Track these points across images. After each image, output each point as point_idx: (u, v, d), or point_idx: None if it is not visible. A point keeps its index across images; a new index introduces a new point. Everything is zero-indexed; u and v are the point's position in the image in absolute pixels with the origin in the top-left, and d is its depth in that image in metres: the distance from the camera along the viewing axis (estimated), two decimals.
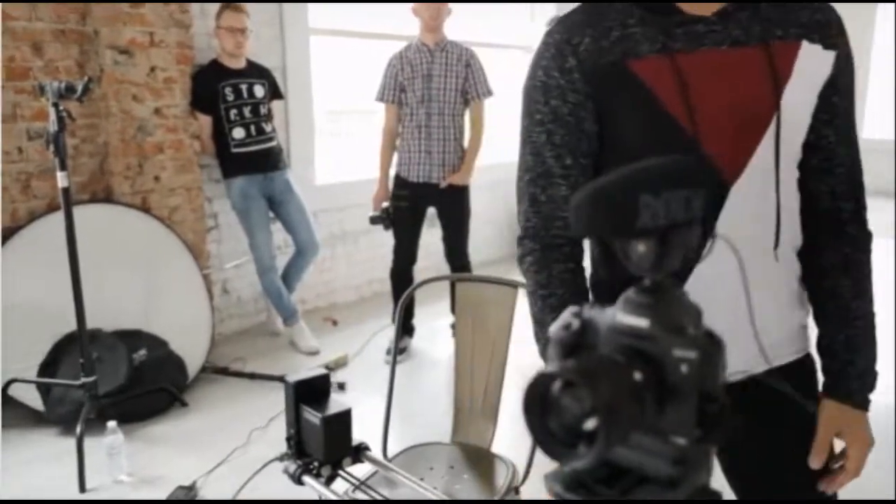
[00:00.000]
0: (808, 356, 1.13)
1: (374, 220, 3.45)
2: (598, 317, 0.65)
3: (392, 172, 3.44)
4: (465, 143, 3.42)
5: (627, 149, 0.98)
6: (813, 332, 1.13)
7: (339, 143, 4.72)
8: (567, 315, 0.68)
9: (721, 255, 0.76)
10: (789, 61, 0.97)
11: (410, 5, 3.31)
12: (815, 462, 1.06)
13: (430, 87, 3.26)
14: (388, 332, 3.73)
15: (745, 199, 0.98)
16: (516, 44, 5.49)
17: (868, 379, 1.08)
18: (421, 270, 4.10)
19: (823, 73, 1.00)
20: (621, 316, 0.63)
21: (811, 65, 0.98)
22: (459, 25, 4.59)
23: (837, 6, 1.04)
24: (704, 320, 0.59)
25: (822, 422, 1.06)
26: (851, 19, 1.24)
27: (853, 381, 1.07)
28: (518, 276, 1.78)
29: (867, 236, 1.08)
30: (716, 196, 0.96)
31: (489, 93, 3.39)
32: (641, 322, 0.61)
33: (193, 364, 3.21)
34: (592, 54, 0.97)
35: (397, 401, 2.91)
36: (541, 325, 1.05)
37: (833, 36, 1.00)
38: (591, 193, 0.57)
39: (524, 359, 2.17)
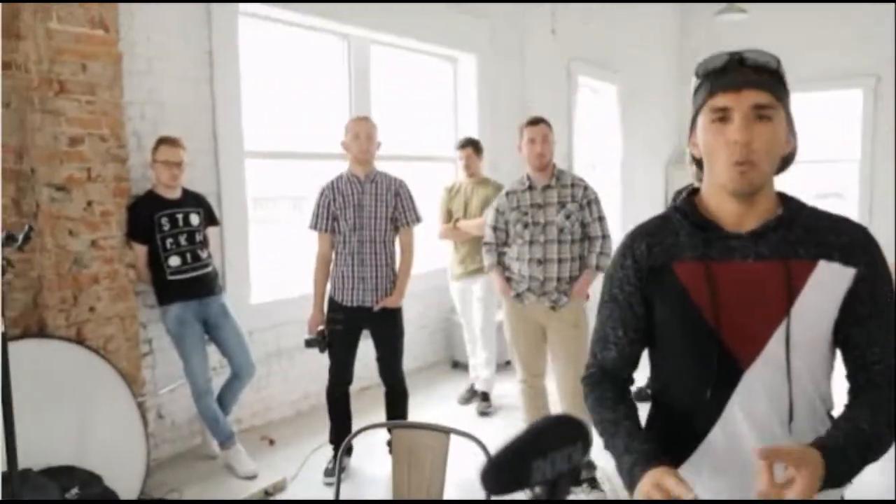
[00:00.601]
0: None
1: (309, 343, 3.55)
2: None
3: (327, 296, 3.57)
4: (396, 267, 3.59)
5: (666, 330, 1.30)
6: None
7: (268, 231, 4.78)
8: None
9: (738, 428, 1.18)
10: (804, 277, 1.20)
11: (341, 140, 3.52)
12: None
13: (362, 216, 3.45)
14: (326, 451, 3.76)
15: (756, 381, 1.22)
16: (443, 156, 5.80)
17: (846, 467, 1.13)
18: (359, 379, 4.19)
19: (843, 286, 1.20)
20: None
21: (828, 280, 1.20)
22: (389, 141, 4.89)
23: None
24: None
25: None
26: None
27: (836, 451, 1.12)
28: (450, 424, 1.92)
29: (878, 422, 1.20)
30: (729, 381, 1.23)
31: (418, 220, 3.59)
32: None
33: (128, 496, 3.17)
34: (644, 257, 1.30)
35: None
36: (610, 448, 1.30)
37: (856, 255, 1.21)
38: (494, 464, 0.74)
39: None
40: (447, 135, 5.92)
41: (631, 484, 1.18)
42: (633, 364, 1.38)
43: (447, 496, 1.88)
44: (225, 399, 3.76)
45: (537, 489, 0.77)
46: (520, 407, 3.66)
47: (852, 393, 1.25)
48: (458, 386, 4.93)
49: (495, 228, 3.46)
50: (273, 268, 4.63)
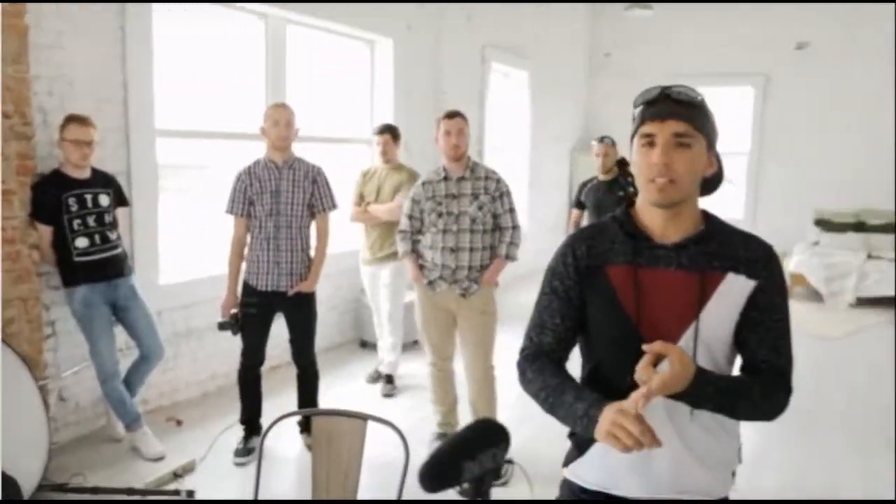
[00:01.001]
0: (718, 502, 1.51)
1: (222, 326, 3.57)
2: None
3: (241, 280, 3.59)
4: (312, 252, 3.64)
5: (595, 323, 1.48)
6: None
7: (175, 202, 4.68)
8: None
9: (653, 412, 1.34)
10: (714, 286, 1.41)
11: (259, 126, 3.53)
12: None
13: (279, 202, 3.47)
14: (236, 431, 3.79)
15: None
16: (359, 138, 5.83)
17: (710, 390, 1.32)
18: (269, 358, 4.23)
19: (744, 295, 1.41)
20: None
21: (732, 290, 1.41)
22: (306, 123, 4.89)
23: None
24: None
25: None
26: None
27: (710, 378, 1.33)
28: (366, 410, 2.03)
29: (780, 399, 1.43)
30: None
31: (334, 206, 3.65)
32: None
33: (30, 483, 3.11)
34: (584, 257, 1.48)
35: None
36: (557, 406, 1.41)
37: (758, 270, 1.41)
38: (430, 465, 0.85)
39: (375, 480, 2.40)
40: (363, 118, 5.95)
41: (588, 425, 1.31)
42: (566, 349, 1.54)
43: (363, 480, 1.99)
44: (132, 381, 3.73)
45: (465, 485, 0.89)
46: (426, 388, 3.81)
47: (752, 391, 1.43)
48: (366, 365, 5.04)
49: (410, 217, 3.57)
50: (182, 247, 4.56)
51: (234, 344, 4.46)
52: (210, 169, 5.07)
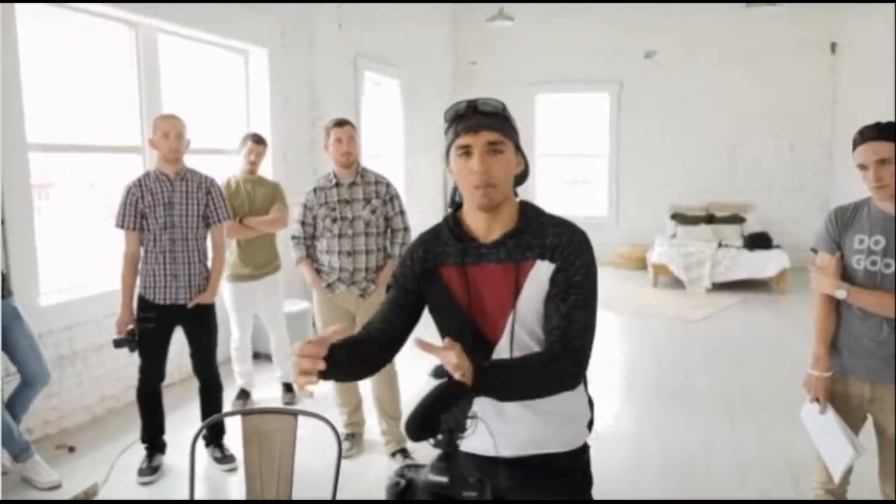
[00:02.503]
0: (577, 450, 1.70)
1: (118, 344, 3.47)
2: (416, 477, 1.08)
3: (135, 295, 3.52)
4: (209, 263, 3.63)
5: (436, 317, 1.66)
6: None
7: (50, 221, 4.47)
8: (394, 476, 1.10)
9: None
10: (526, 274, 1.57)
11: (149, 137, 3.48)
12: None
13: (173, 215, 3.44)
14: (136, 451, 3.70)
15: (502, 352, 1.59)
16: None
17: (489, 380, 1.39)
18: (170, 372, 4.14)
19: (547, 277, 1.57)
20: (431, 476, 1.06)
21: (540, 274, 1.57)
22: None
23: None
24: None
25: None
26: None
27: (494, 371, 1.43)
28: (296, 407, 2.11)
29: (567, 366, 1.54)
30: (485, 353, 1.58)
31: (228, 217, 3.65)
32: (443, 479, 1.04)
33: None
34: (420, 261, 1.65)
35: None
36: None
37: (558, 253, 1.56)
38: (414, 416, 1.00)
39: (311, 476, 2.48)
40: (240, 128, 5.91)
41: None
42: (388, 330, 1.66)
43: (297, 474, 2.08)
44: (15, 409, 3.56)
45: (439, 436, 1.04)
46: (326, 393, 3.89)
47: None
48: (265, 376, 5.00)
49: (303, 223, 3.64)
50: (59, 266, 4.37)
51: (121, 363, 4.37)
52: (55, 187, 4.85)
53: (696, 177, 9.58)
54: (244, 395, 4.60)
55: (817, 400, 2.38)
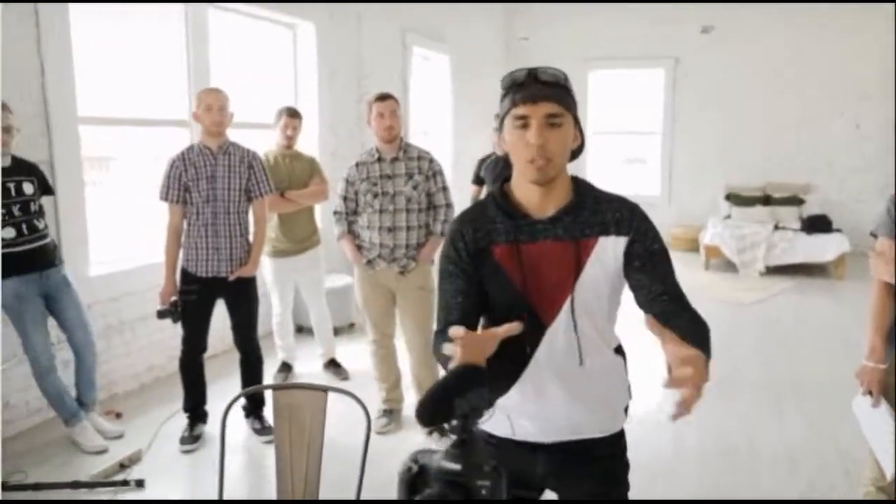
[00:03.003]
0: (614, 435, 1.66)
1: (161, 315, 3.54)
2: (429, 462, 1.04)
3: (179, 267, 3.57)
4: (250, 237, 3.65)
5: (490, 298, 1.58)
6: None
7: (97, 192, 4.59)
8: (408, 460, 1.07)
9: (543, 370, 1.55)
10: (588, 253, 1.52)
11: (192, 111, 3.50)
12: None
13: (215, 188, 3.46)
14: (178, 420, 3.78)
15: (556, 335, 1.55)
16: None
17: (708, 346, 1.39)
18: (213, 344, 4.21)
19: (619, 251, 1.52)
20: (444, 462, 1.02)
21: (607, 251, 1.52)
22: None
23: None
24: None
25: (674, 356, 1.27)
26: None
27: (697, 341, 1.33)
28: (326, 382, 2.10)
29: (699, 324, 1.46)
30: (537, 335, 1.54)
31: (270, 190, 3.66)
32: (456, 466, 1.00)
33: None
34: (472, 241, 1.57)
35: (203, 493, 3.06)
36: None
37: (626, 226, 1.52)
38: (429, 399, 0.95)
39: (341, 454, 2.48)
40: (287, 102, 5.91)
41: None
42: (473, 322, 1.61)
43: (326, 452, 2.07)
44: (82, 384, 3.69)
45: (454, 422, 0.99)
46: (365, 369, 3.89)
47: (660, 318, 1.42)
48: (306, 350, 5.04)
49: (345, 198, 3.63)
50: (109, 237, 4.47)
51: (166, 335, 4.44)
52: (117, 160, 4.95)
53: (753, 156, 9.27)
54: (286, 368, 4.65)
55: (870, 393, 2.26)
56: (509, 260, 1.53)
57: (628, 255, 1.52)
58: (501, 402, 1.61)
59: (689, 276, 7.82)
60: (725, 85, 9.25)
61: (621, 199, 1.58)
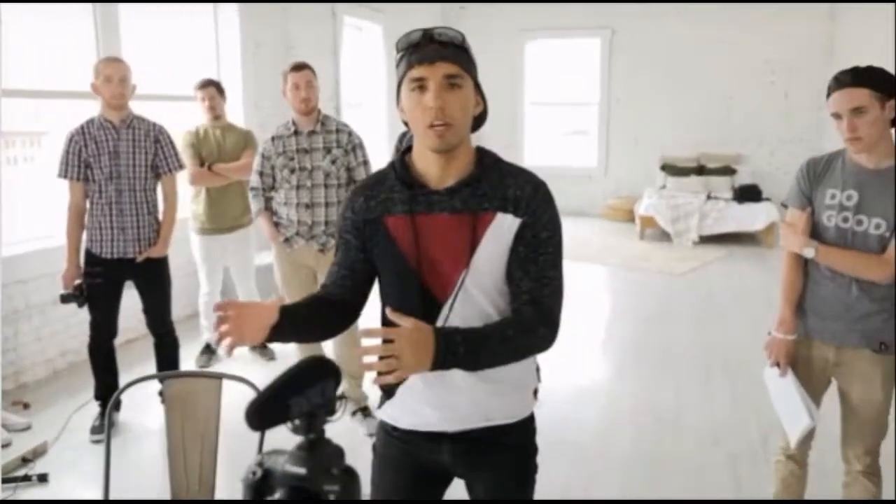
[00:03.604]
0: (523, 421, 1.59)
1: (65, 299, 3.35)
2: (274, 465, 0.94)
3: (83, 248, 3.38)
4: (160, 216, 3.48)
5: (382, 272, 1.52)
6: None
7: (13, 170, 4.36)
8: (253, 464, 0.97)
9: None
10: (484, 227, 1.43)
11: (91, 82, 3.29)
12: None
13: (119, 164, 3.27)
14: (91, 409, 3.62)
15: (452, 313, 1.45)
16: None
17: (462, 343, 1.32)
18: (124, 330, 4.02)
19: (512, 233, 1.43)
20: (288, 466, 0.92)
21: (503, 229, 1.43)
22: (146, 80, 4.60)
23: None
24: None
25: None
26: None
27: (457, 335, 1.32)
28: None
29: (540, 332, 1.42)
30: (432, 314, 1.45)
31: (180, 166, 3.49)
32: (301, 470, 0.91)
33: None
34: (362, 210, 1.49)
35: (113, 486, 2.92)
36: None
37: (523, 207, 1.43)
38: (256, 404, 0.85)
39: (233, 445, 2.38)
40: (210, 75, 5.66)
41: None
42: (344, 294, 1.53)
43: (222, 442, 1.96)
44: None
45: (297, 422, 0.90)
46: (295, 348, 3.78)
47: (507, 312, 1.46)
48: None
49: (261, 174, 3.48)
50: (15, 216, 4.22)
51: (81, 318, 4.21)
52: (49, 135, 4.70)
53: (688, 127, 9.34)
54: (209, 350, 4.50)
55: (777, 364, 2.26)
56: (403, 232, 1.45)
57: (517, 238, 1.44)
58: (402, 389, 1.54)
59: (625, 246, 7.91)
60: (661, 56, 9.27)
61: (527, 173, 1.49)
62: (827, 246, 2.16)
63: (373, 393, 3.77)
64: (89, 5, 4.50)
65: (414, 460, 1.61)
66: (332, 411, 0.94)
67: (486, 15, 9.67)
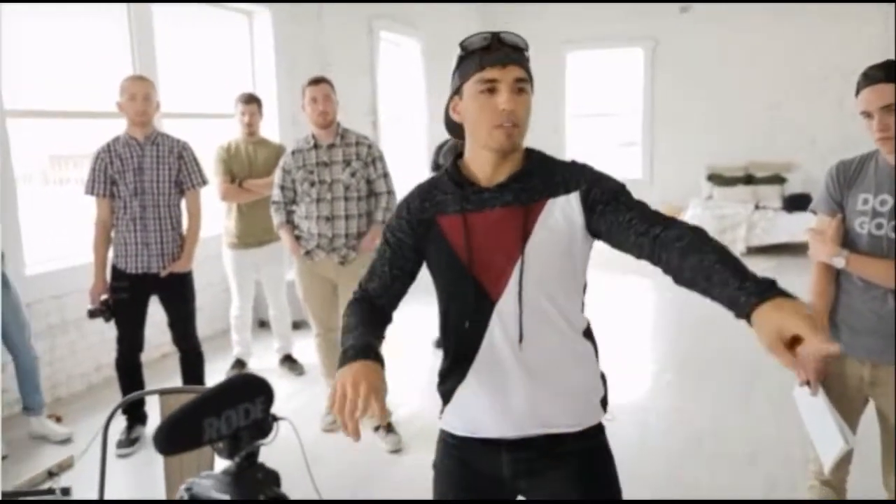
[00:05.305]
0: (589, 430, 1.50)
1: (92, 314, 3.40)
2: (201, 490, 0.88)
3: (109, 264, 3.42)
4: (184, 231, 3.50)
5: (435, 272, 1.51)
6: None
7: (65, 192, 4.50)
8: (182, 489, 0.91)
9: (497, 349, 1.43)
10: (535, 217, 1.41)
11: (116, 101, 3.34)
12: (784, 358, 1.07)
13: (143, 180, 3.31)
14: (119, 423, 3.64)
15: (506, 311, 1.43)
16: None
17: (755, 278, 1.15)
18: (156, 347, 4.07)
19: (575, 207, 1.41)
20: (213, 492, 0.86)
21: (554, 213, 1.41)
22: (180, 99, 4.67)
23: None
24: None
25: (759, 333, 1.09)
26: None
27: (746, 288, 1.13)
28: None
29: (681, 226, 1.29)
30: (485, 311, 1.43)
31: (203, 182, 3.51)
32: (224, 496, 0.85)
33: None
34: (417, 211, 1.49)
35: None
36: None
37: (573, 182, 1.42)
38: (164, 427, 0.80)
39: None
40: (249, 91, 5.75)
41: (342, 363, 1.30)
42: (393, 296, 1.52)
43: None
44: (28, 392, 3.58)
45: (220, 444, 0.84)
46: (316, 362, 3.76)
47: (673, 249, 1.26)
48: (265, 345, 4.91)
49: (283, 187, 3.48)
50: (50, 234, 4.32)
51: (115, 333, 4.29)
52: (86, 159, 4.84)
53: (735, 136, 9.07)
54: (240, 364, 4.51)
55: (808, 382, 2.11)
56: (455, 231, 1.45)
57: (590, 205, 1.40)
58: (459, 393, 1.50)
59: None
60: (705, 64, 9.05)
61: (574, 162, 1.50)
62: (859, 254, 2.02)
63: (401, 408, 3.72)
64: (125, 26, 4.60)
65: (472, 471, 1.54)
66: (262, 433, 0.87)
67: (526, 27, 9.59)
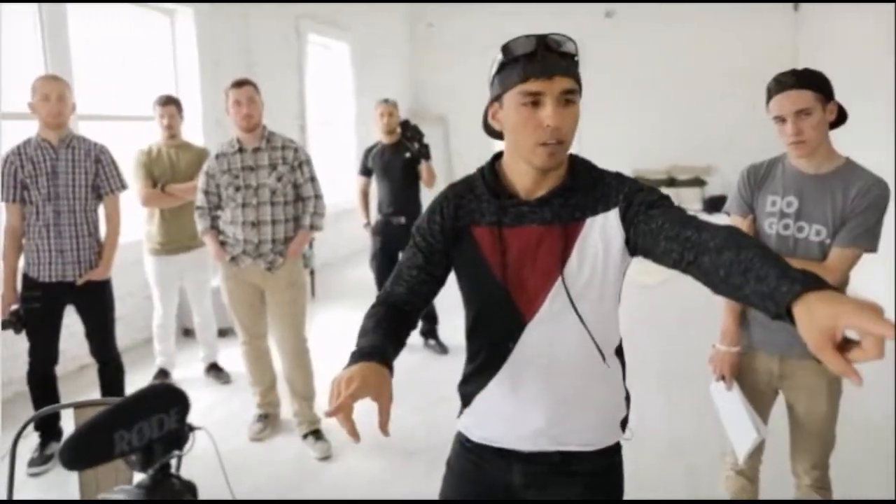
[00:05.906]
0: (606, 450, 1.47)
1: (3, 325, 3.24)
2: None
3: (20, 272, 3.27)
4: (102, 237, 3.38)
5: (465, 283, 1.46)
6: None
7: None
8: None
9: (524, 367, 1.40)
10: (574, 237, 1.34)
11: (28, 101, 3.19)
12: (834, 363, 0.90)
13: (57, 185, 3.18)
14: (32, 440, 3.49)
15: (539, 329, 1.38)
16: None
17: (801, 271, 1.01)
18: (73, 358, 3.90)
19: (614, 224, 1.33)
20: None
21: (593, 233, 1.34)
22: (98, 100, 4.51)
23: None
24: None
25: (805, 328, 0.93)
26: None
27: (789, 277, 0.99)
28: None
29: (715, 227, 1.21)
30: (515, 329, 1.39)
31: (123, 186, 3.40)
32: None
33: None
34: (451, 217, 1.42)
35: None
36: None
37: (611, 197, 1.34)
38: (70, 441, 0.77)
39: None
40: (168, 93, 5.59)
41: (350, 364, 1.24)
42: (420, 300, 1.46)
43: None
44: None
45: (133, 457, 0.82)
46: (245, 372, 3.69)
47: (707, 249, 1.16)
48: (190, 354, 4.79)
49: (206, 192, 3.40)
50: None
51: (27, 345, 4.11)
52: None
53: (657, 140, 9.36)
54: (163, 374, 4.38)
55: (723, 377, 2.20)
56: (489, 244, 1.38)
57: (628, 221, 1.31)
58: (479, 398, 1.47)
59: None
60: (628, 69, 9.31)
61: (611, 173, 1.41)
62: None
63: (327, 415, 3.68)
64: (37, 24, 4.41)
65: (484, 477, 1.51)
66: (177, 444, 0.85)
67: (455, 32, 9.67)
